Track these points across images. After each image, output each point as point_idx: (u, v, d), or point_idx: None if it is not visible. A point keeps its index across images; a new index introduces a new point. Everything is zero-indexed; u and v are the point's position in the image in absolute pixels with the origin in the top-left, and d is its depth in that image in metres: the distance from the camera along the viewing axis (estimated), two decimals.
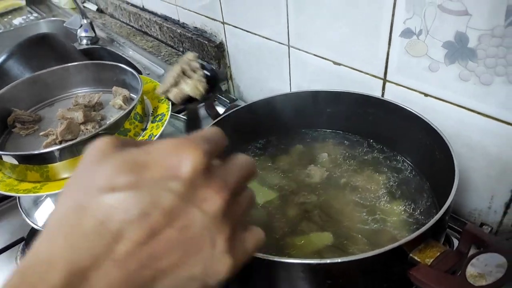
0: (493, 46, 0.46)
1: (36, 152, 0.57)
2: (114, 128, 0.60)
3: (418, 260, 0.37)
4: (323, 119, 0.67)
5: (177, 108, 0.93)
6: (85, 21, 1.24)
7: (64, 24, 1.37)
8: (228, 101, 0.94)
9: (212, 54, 0.98)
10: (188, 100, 0.52)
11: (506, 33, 0.44)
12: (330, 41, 0.67)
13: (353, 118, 0.64)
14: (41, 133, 0.66)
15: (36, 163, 0.57)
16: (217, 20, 0.93)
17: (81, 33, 1.25)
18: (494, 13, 0.44)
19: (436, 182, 0.54)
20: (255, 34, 0.83)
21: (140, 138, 0.64)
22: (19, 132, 0.67)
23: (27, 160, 0.57)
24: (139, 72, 0.98)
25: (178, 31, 1.09)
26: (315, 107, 0.66)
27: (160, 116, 0.68)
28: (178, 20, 1.13)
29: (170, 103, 0.69)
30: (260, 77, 0.90)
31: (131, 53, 1.20)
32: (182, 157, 0.22)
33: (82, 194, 0.22)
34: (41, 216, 0.66)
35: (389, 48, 0.58)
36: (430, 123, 0.52)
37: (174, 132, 0.86)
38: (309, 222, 0.52)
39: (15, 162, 0.57)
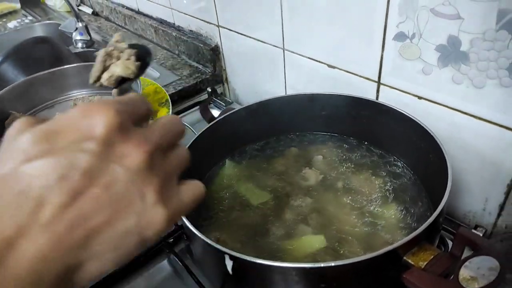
0: (485, 49, 0.46)
1: None
2: None
3: (412, 263, 0.37)
4: (318, 122, 0.68)
5: (176, 109, 0.93)
6: (80, 24, 1.23)
7: (59, 28, 1.36)
8: (223, 104, 0.94)
9: (208, 57, 0.98)
10: (122, 81, 0.51)
11: (498, 37, 0.44)
12: (325, 44, 0.67)
13: (347, 120, 0.64)
14: None
15: None
16: (212, 23, 0.94)
17: (76, 36, 1.24)
18: (486, 17, 0.44)
19: (430, 184, 0.54)
20: (250, 37, 0.83)
21: None
22: None
23: None
24: None
25: (174, 34, 1.09)
26: (309, 109, 0.66)
27: None
28: (174, 24, 1.13)
29: (170, 107, 0.66)
30: (255, 80, 0.90)
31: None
32: (94, 118, 0.23)
33: (2, 169, 0.22)
34: None
35: (382, 51, 0.58)
36: (423, 125, 0.52)
37: None
38: (304, 225, 0.52)
39: None
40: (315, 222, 0.52)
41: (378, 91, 0.62)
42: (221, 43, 0.95)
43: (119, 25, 1.43)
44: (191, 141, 0.58)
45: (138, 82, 0.66)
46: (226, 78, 1.00)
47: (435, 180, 0.49)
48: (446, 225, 0.56)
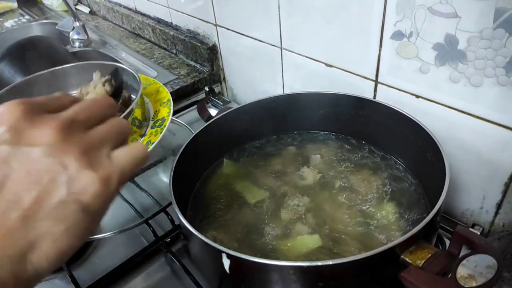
0: (482, 48, 0.46)
1: None
2: None
3: (409, 261, 0.37)
4: (316, 121, 0.68)
5: (174, 108, 0.92)
6: (77, 23, 1.23)
7: (56, 27, 1.36)
8: (221, 103, 0.94)
9: (205, 56, 0.98)
10: None
11: (495, 35, 0.44)
12: (322, 43, 0.67)
13: (345, 119, 0.64)
14: None
15: None
16: (209, 23, 0.93)
17: (74, 35, 1.24)
18: (483, 15, 0.44)
19: (428, 183, 0.54)
20: (248, 36, 0.83)
21: None
22: None
23: None
24: None
25: (171, 33, 1.09)
26: (307, 108, 0.66)
27: (160, 121, 0.62)
28: (171, 23, 1.13)
29: (171, 107, 0.64)
30: (253, 79, 0.90)
31: (124, 55, 1.19)
32: (1, 113, 0.25)
33: None
34: None
35: (380, 50, 0.58)
36: (421, 124, 0.52)
37: (168, 135, 0.86)
38: (300, 224, 0.52)
39: None
40: (311, 221, 0.52)
41: (375, 90, 0.62)
42: (218, 42, 0.94)
43: (116, 24, 1.42)
44: (189, 140, 0.58)
45: (139, 81, 0.64)
46: (224, 77, 1.00)
47: (432, 178, 0.49)
48: (443, 224, 0.56)
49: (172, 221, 0.61)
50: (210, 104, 0.96)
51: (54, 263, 0.25)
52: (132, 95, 0.67)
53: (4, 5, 1.74)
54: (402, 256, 0.38)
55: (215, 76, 1.00)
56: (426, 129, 0.51)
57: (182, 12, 1.04)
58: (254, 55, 0.84)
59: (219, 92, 1.02)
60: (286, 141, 0.69)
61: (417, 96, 0.57)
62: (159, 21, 1.19)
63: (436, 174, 0.47)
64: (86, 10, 1.59)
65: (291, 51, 0.74)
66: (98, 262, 0.60)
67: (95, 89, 0.56)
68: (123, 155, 0.28)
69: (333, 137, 0.68)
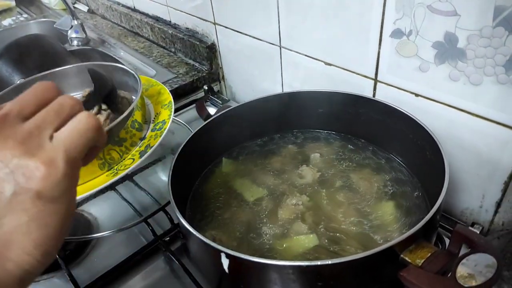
0: (482, 46, 0.46)
1: None
2: (108, 138, 0.57)
3: (409, 261, 0.37)
4: (315, 120, 0.67)
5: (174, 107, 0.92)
6: (75, 22, 1.23)
7: (55, 25, 1.35)
8: (220, 102, 0.94)
9: (204, 55, 0.98)
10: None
11: (494, 34, 0.44)
12: (321, 42, 0.67)
13: (344, 118, 0.64)
14: None
15: None
16: (208, 21, 0.93)
17: (72, 34, 1.23)
18: (483, 13, 0.44)
19: (427, 182, 0.54)
20: (247, 34, 0.82)
21: (138, 148, 0.57)
22: None
23: None
24: None
25: (170, 32, 1.08)
26: (306, 107, 0.66)
27: (160, 124, 0.60)
28: (170, 21, 1.12)
29: (172, 110, 0.63)
30: (252, 77, 0.90)
31: (123, 54, 1.19)
32: None
33: None
34: None
35: (379, 48, 0.58)
36: (420, 123, 0.52)
37: (166, 134, 0.85)
38: (299, 223, 0.52)
39: None
40: (310, 220, 0.52)
41: (375, 88, 0.62)
42: (217, 41, 0.94)
43: (115, 23, 1.42)
44: (187, 139, 0.57)
45: (139, 82, 0.63)
46: (223, 76, 1.00)
47: (432, 177, 0.49)
48: (443, 223, 0.56)
49: (171, 220, 0.60)
50: (209, 102, 0.95)
51: (37, 256, 0.24)
52: (133, 97, 0.65)
53: (2, 3, 1.74)
54: (401, 255, 0.38)
55: (214, 75, 1.00)
56: (425, 127, 0.51)
57: (180, 11, 1.04)
58: (253, 54, 0.84)
59: (218, 91, 1.02)
60: (285, 140, 0.68)
61: (417, 95, 0.57)
62: (157, 19, 1.18)
63: (436, 172, 0.47)
64: (84, 8, 1.59)
65: (290, 50, 0.74)
66: (96, 261, 0.60)
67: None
68: (65, 132, 0.27)
69: (332, 135, 0.68)
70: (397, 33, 0.54)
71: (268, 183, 0.59)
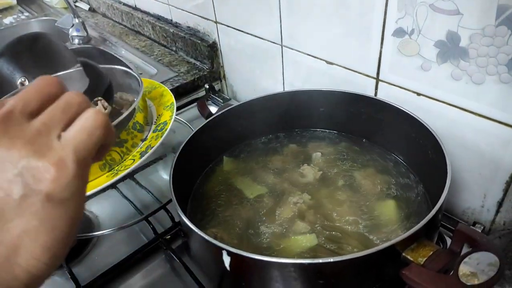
0: (484, 45, 0.46)
1: None
2: None
3: (411, 259, 0.37)
4: (316, 119, 0.67)
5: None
6: (77, 20, 1.23)
7: (56, 24, 1.35)
8: (221, 100, 0.94)
9: (205, 53, 0.98)
10: None
11: (497, 32, 0.44)
12: (323, 41, 0.67)
13: (346, 117, 0.64)
14: None
15: None
16: (210, 20, 0.93)
17: (73, 32, 1.24)
18: (485, 12, 0.44)
19: (429, 181, 0.54)
20: (248, 33, 0.82)
21: (138, 149, 0.58)
22: None
23: None
24: None
25: (171, 30, 1.08)
26: (308, 106, 0.66)
27: (162, 125, 0.61)
28: (171, 20, 1.12)
29: (174, 111, 0.63)
30: (253, 76, 0.90)
31: (124, 52, 1.19)
32: None
33: None
34: None
35: (381, 47, 0.58)
36: (422, 122, 0.52)
37: (168, 132, 0.85)
38: (300, 222, 0.52)
39: None
40: (311, 218, 0.52)
41: (376, 87, 0.62)
42: (218, 40, 0.94)
43: (116, 21, 1.42)
44: (189, 137, 0.57)
45: (140, 84, 0.62)
46: (224, 75, 1.00)
47: (434, 176, 0.49)
48: (444, 222, 0.56)
49: (172, 218, 0.60)
50: (210, 101, 0.95)
51: (46, 260, 0.24)
52: (136, 99, 0.64)
53: (3, 2, 1.74)
54: (403, 254, 0.38)
55: (215, 74, 1.00)
56: (427, 126, 0.51)
57: (182, 9, 1.04)
58: (255, 53, 0.84)
59: (219, 90, 1.02)
60: (286, 139, 0.68)
61: (419, 94, 0.57)
62: (159, 18, 1.18)
63: (437, 172, 0.47)
64: (85, 7, 1.59)
65: (292, 49, 0.74)
66: (97, 259, 0.60)
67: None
68: (74, 132, 0.26)
69: (334, 134, 0.68)
70: (399, 32, 0.54)
71: (269, 182, 0.59)
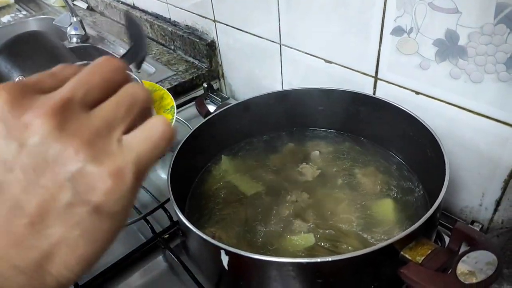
0: (483, 44, 0.46)
1: None
2: None
3: (409, 258, 0.37)
4: (315, 117, 0.67)
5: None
6: (74, 19, 1.22)
7: (54, 22, 1.35)
8: (219, 99, 0.93)
9: (204, 52, 0.98)
10: None
11: (496, 31, 0.44)
12: (322, 39, 0.67)
13: (344, 116, 0.64)
14: None
15: None
16: (208, 18, 0.93)
17: (71, 31, 1.23)
18: (484, 11, 0.44)
19: (427, 180, 0.54)
20: (247, 32, 0.82)
21: None
22: None
23: None
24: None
25: (169, 29, 1.08)
26: (306, 105, 0.66)
27: None
28: (169, 18, 1.12)
29: (174, 114, 0.63)
30: (251, 75, 0.89)
31: (122, 51, 1.18)
32: None
33: None
34: None
35: (380, 46, 0.57)
36: (421, 121, 0.52)
37: None
38: (298, 220, 0.51)
39: None
40: (309, 217, 0.52)
41: (375, 86, 0.62)
42: (217, 38, 0.94)
43: (114, 20, 1.41)
44: (187, 136, 0.57)
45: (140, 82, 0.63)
46: (222, 74, 1.00)
47: (432, 175, 0.49)
48: (442, 221, 0.56)
49: (170, 217, 0.60)
50: (208, 100, 0.95)
51: (78, 272, 0.22)
52: None
53: (0, 0, 1.73)
54: (401, 253, 0.38)
55: (214, 72, 1.00)
56: (426, 125, 0.51)
57: (180, 8, 1.03)
58: (253, 51, 0.84)
59: (218, 89, 1.01)
60: (285, 138, 0.68)
61: (417, 93, 0.57)
62: (157, 16, 1.18)
63: (436, 170, 0.47)
64: (83, 5, 1.58)
65: (290, 47, 0.74)
66: None
67: None
68: (138, 139, 0.23)
69: (332, 133, 0.68)
70: (397, 31, 0.54)
71: (268, 180, 0.59)
